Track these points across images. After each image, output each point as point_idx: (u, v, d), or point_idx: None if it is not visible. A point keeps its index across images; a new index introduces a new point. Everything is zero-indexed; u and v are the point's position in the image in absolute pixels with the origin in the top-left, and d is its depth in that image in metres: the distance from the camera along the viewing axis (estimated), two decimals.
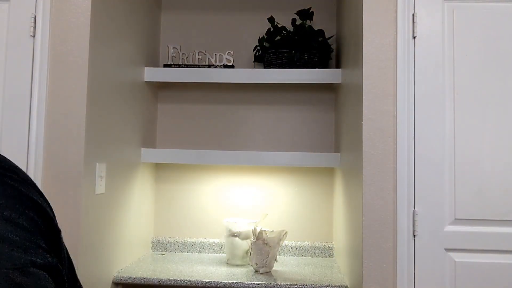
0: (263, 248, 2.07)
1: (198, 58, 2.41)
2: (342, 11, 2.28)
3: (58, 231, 0.55)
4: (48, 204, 0.57)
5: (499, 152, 1.60)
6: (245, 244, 2.21)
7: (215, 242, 2.47)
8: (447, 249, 1.60)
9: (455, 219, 1.60)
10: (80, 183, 1.65)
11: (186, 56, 2.43)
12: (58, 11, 1.70)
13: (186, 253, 2.46)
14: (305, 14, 2.34)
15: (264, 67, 2.38)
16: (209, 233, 2.50)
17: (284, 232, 2.14)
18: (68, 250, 1.64)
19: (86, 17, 1.68)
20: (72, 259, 1.63)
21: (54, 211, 1.65)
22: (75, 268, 1.64)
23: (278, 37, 2.36)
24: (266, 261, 2.07)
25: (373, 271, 1.61)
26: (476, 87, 1.62)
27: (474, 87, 1.62)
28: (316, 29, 2.38)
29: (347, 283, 1.90)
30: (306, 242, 2.47)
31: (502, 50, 1.62)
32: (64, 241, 1.53)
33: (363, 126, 1.64)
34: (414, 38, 1.65)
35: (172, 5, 2.61)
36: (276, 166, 2.47)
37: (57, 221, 1.65)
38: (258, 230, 2.14)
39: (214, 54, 2.41)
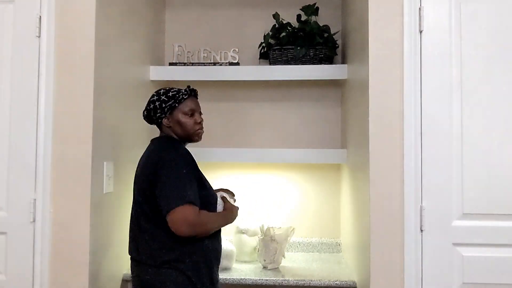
0: (270, 244, 2.07)
1: (203, 56, 2.41)
2: (348, 6, 2.26)
3: None
4: None
5: (507, 146, 1.58)
6: (253, 241, 2.22)
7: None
8: (455, 244, 1.59)
9: (463, 213, 1.59)
10: (88, 182, 1.66)
11: (191, 54, 2.43)
12: (63, 11, 1.70)
13: None
14: (310, 9, 2.33)
15: (270, 64, 2.38)
16: None
17: (292, 228, 2.14)
18: (78, 248, 1.67)
19: (90, 17, 1.69)
20: (82, 257, 1.64)
21: (64, 210, 1.67)
22: (87, 265, 1.65)
23: (283, 34, 2.36)
24: (274, 257, 2.07)
25: (381, 266, 1.61)
26: (484, 81, 1.60)
27: (482, 81, 1.60)
28: (321, 25, 2.37)
29: (355, 279, 1.90)
30: (313, 238, 2.47)
31: (510, 43, 1.60)
32: (74, 239, 1.62)
33: (369, 122, 1.63)
34: (420, 32, 1.63)
35: (176, 3, 2.61)
36: (283, 163, 2.47)
37: (66, 220, 1.67)
38: (265, 226, 2.15)
39: (219, 51, 2.41)
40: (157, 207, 1.54)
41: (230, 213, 1.70)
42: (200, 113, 1.74)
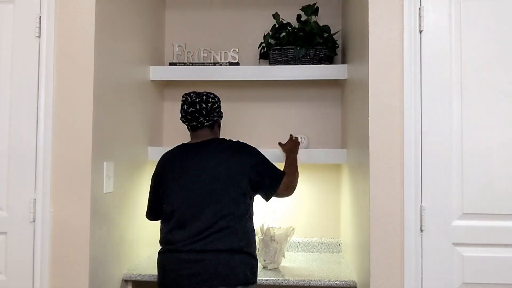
0: (270, 244, 2.07)
1: (203, 56, 2.41)
2: (348, 6, 2.26)
3: None
4: None
5: (507, 146, 1.58)
6: None
7: None
8: (454, 244, 1.59)
9: (463, 213, 1.59)
10: (88, 182, 1.66)
11: (191, 54, 2.43)
12: (63, 11, 1.70)
13: None
14: (310, 9, 2.33)
15: (270, 64, 2.38)
16: None
17: (292, 228, 2.14)
18: (78, 248, 1.67)
19: (90, 17, 1.69)
20: (82, 257, 1.64)
21: (64, 210, 1.67)
22: (87, 265, 1.65)
23: (283, 34, 2.36)
24: (274, 257, 2.07)
25: (381, 266, 1.61)
26: (484, 80, 1.60)
27: (481, 81, 1.60)
28: (321, 25, 2.37)
29: (355, 279, 1.90)
30: (313, 238, 2.47)
31: (510, 43, 1.60)
32: (74, 240, 1.60)
33: (369, 122, 1.63)
34: (420, 32, 1.63)
35: (176, 3, 2.61)
36: (283, 163, 2.46)
37: (66, 220, 1.67)
38: (265, 226, 2.15)
39: (219, 51, 2.41)
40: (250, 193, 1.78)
41: (292, 157, 2.13)
42: None
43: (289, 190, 1.91)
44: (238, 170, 1.75)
